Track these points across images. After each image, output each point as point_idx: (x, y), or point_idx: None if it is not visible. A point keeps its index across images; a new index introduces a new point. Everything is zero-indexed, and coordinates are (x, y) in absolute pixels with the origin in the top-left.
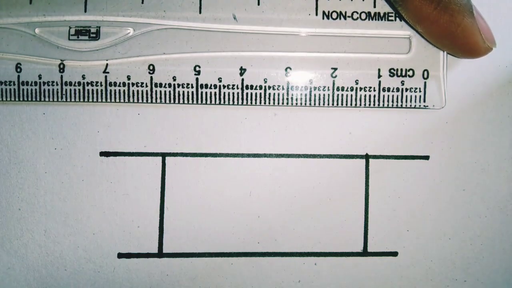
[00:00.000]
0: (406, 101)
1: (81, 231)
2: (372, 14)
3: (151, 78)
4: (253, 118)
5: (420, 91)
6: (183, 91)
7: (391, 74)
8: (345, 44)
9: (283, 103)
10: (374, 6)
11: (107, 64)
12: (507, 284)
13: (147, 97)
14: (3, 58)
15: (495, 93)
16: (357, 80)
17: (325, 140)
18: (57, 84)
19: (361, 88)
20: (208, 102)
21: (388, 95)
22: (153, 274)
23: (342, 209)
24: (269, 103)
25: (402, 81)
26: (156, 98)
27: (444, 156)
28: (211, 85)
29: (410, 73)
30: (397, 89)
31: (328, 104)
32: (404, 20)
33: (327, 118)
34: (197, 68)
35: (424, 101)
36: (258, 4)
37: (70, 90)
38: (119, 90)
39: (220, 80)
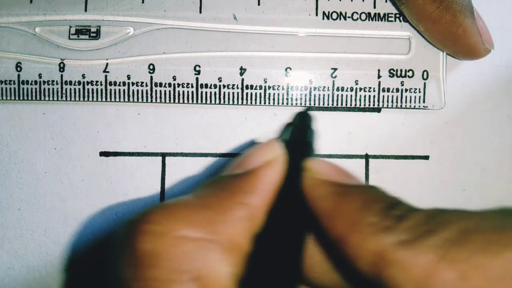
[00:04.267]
0: (406, 102)
1: (81, 231)
2: (372, 15)
3: (151, 77)
4: (253, 118)
5: (419, 92)
6: (183, 91)
7: (391, 75)
8: (345, 44)
9: (283, 103)
10: (374, 7)
11: (107, 64)
12: None
13: (147, 97)
14: (4, 57)
15: (495, 93)
16: (357, 81)
17: (325, 140)
18: (57, 83)
19: (361, 89)
20: (208, 102)
21: (388, 96)
22: None
23: None
24: (269, 103)
25: (402, 81)
26: (156, 98)
27: (444, 156)
28: (211, 85)
29: (410, 73)
30: (397, 90)
31: (328, 104)
32: (405, 19)
33: (327, 118)
34: (197, 68)
35: (424, 101)
36: (258, 4)
37: (70, 89)
38: (119, 89)
39: (220, 80)
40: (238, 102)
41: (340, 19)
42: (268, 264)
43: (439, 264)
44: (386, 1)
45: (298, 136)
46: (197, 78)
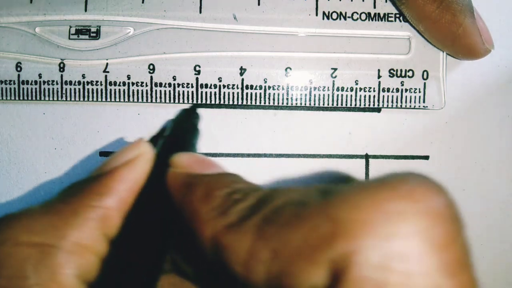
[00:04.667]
0: (406, 102)
1: None
2: (372, 15)
3: (151, 77)
4: (253, 118)
5: (419, 92)
6: (183, 91)
7: (391, 75)
8: (345, 44)
9: (283, 103)
10: (374, 7)
11: (107, 64)
12: (507, 284)
13: (147, 97)
14: (4, 57)
15: (495, 93)
16: (357, 81)
17: (325, 140)
18: (57, 83)
19: (361, 89)
20: (208, 102)
21: (388, 96)
22: None
23: None
24: (269, 103)
25: (402, 81)
26: (156, 98)
27: (443, 156)
28: (211, 85)
29: (410, 73)
30: (397, 90)
31: (328, 104)
32: (405, 19)
33: (327, 118)
34: (197, 68)
35: (424, 101)
36: (258, 4)
37: (70, 89)
38: (119, 89)
39: (220, 80)
40: (238, 102)
41: (340, 19)
42: (127, 265)
43: (256, 244)
44: (386, 1)
45: (176, 134)
46: (197, 78)
